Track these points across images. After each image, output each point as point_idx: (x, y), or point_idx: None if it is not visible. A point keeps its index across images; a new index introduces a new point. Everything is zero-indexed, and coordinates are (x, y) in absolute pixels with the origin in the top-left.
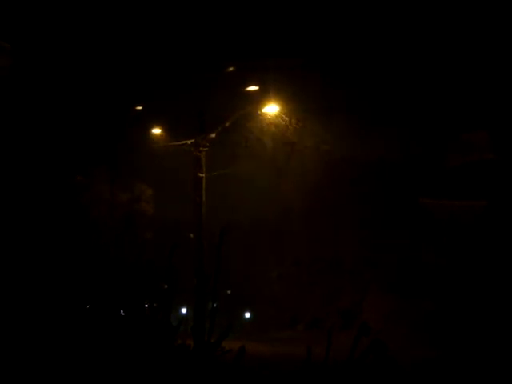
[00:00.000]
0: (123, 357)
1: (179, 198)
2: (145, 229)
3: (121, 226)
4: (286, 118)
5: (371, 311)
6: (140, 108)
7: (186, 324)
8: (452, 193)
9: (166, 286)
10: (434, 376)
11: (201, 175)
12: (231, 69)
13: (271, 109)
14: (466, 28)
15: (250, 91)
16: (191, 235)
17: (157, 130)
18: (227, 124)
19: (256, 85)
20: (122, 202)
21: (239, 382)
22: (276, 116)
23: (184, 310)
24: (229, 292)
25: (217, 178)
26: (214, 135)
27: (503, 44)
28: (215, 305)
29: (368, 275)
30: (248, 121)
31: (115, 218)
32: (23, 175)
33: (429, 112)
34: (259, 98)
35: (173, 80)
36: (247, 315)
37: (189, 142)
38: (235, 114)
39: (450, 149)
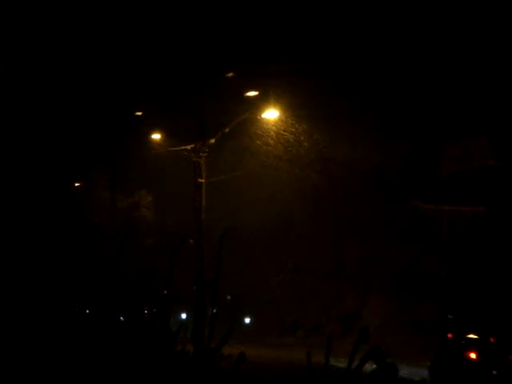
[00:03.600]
0: (122, 362)
1: (179, 204)
2: (145, 234)
3: (121, 232)
4: (286, 123)
5: (371, 317)
6: (140, 114)
7: (185, 329)
8: (452, 198)
9: (165, 292)
10: (435, 382)
11: (200, 181)
12: (231, 74)
13: (271, 114)
14: (465, 32)
15: (250, 96)
16: (191, 241)
17: (157, 136)
18: (227, 130)
19: (256, 90)
20: (123, 208)
21: None
22: (276, 121)
23: (184, 316)
24: (229, 297)
25: (217, 183)
26: (213, 141)
27: (504, 48)
28: (215, 310)
29: (368, 281)
30: (248, 126)
31: (116, 224)
32: (24, 182)
33: (429, 117)
34: (259, 104)
35: (173, 85)
36: (247, 321)
37: (188, 147)
38: (235, 119)
39: (450, 154)
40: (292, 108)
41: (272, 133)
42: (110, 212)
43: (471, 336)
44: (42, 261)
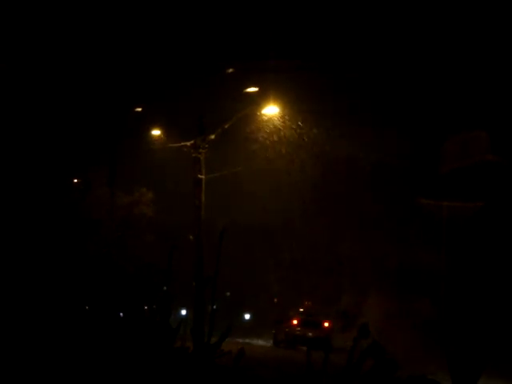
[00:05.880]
0: (122, 359)
1: (179, 200)
2: (145, 231)
3: (120, 229)
4: (286, 120)
5: (371, 313)
6: (139, 110)
7: (185, 326)
8: (452, 194)
9: (165, 288)
10: (434, 377)
11: (200, 177)
12: (231, 70)
13: (271, 110)
14: (464, 26)
15: (249, 92)
16: (191, 237)
17: (156, 132)
18: (226, 125)
19: (256, 86)
20: (122, 205)
21: None
22: (276, 117)
23: (184, 312)
24: (228, 294)
25: (217, 179)
26: (213, 137)
27: (503, 41)
28: (215, 307)
29: (368, 277)
30: (248, 122)
31: (115, 221)
32: (23, 179)
33: (428, 111)
34: (259, 100)
35: (172, 81)
36: (247, 317)
37: (188, 143)
38: (235, 115)
39: (450, 150)
40: (292, 104)
41: (272, 129)
42: (109, 209)
43: (300, 309)
44: (41, 258)
